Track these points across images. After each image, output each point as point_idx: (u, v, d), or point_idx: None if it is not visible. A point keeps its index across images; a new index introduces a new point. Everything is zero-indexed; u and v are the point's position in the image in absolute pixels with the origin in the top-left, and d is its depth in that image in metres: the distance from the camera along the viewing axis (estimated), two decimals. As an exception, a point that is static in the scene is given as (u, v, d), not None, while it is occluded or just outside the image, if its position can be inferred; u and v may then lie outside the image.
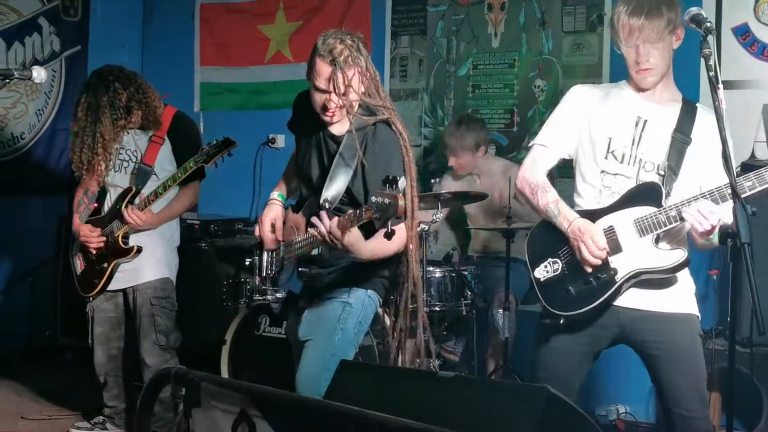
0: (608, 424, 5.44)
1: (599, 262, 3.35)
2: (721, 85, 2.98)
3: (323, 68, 3.52)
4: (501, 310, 5.27)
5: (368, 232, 3.47)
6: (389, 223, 3.18)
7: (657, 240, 3.32)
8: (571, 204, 3.54)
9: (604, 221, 3.41)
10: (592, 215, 3.43)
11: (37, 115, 7.06)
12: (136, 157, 4.92)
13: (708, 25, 2.97)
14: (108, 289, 4.93)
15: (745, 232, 2.69)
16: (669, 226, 3.27)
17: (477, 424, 2.50)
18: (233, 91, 7.35)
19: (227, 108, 7.38)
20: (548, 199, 3.51)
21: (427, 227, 5.09)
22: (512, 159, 5.98)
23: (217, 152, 4.66)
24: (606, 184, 3.46)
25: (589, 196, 3.52)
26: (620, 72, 5.52)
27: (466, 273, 5.28)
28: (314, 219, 3.49)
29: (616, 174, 3.45)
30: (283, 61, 7.01)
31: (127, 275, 4.91)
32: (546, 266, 3.51)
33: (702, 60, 2.91)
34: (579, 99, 3.60)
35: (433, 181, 5.56)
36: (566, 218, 3.44)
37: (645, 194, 3.36)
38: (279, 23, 7.06)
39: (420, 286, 3.78)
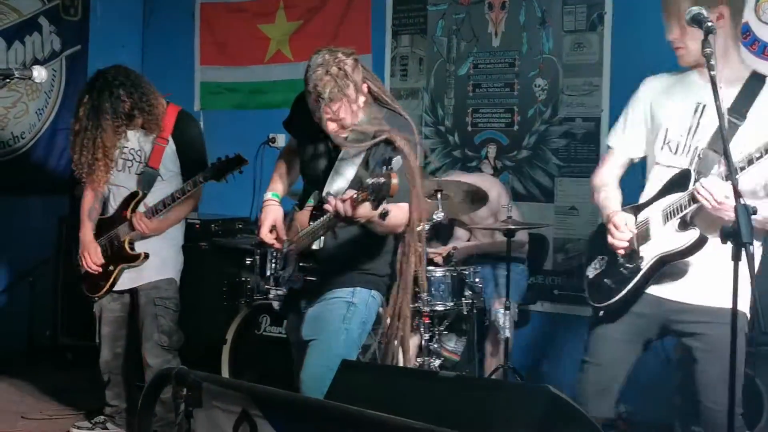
0: (609, 423, 5.43)
1: (624, 244, 3.41)
2: (722, 84, 2.99)
3: (311, 101, 3.56)
4: (501, 310, 5.27)
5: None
6: (384, 203, 3.18)
7: (684, 225, 3.29)
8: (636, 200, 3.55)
9: (643, 214, 3.44)
10: (636, 209, 3.48)
11: (37, 114, 7.05)
12: (140, 158, 4.89)
13: (709, 24, 2.95)
14: (114, 289, 4.92)
15: (746, 231, 2.68)
16: (688, 209, 3.25)
17: (478, 423, 2.49)
18: (233, 90, 7.34)
19: (227, 107, 7.37)
20: (601, 197, 3.60)
21: (427, 226, 5.08)
22: (512, 158, 5.98)
23: (228, 169, 4.69)
24: (660, 178, 3.44)
25: (647, 191, 3.51)
26: (621, 71, 5.54)
27: (466, 272, 5.27)
28: (326, 205, 3.46)
29: (669, 166, 3.42)
30: (283, 61, 7.01)
31: (132, 276, 4.89)
32: (594, 264, 3.62)
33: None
34: (646, 91, 3.58)
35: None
36: (605, 213, 3.52)
37: (678, 182, 3.34)
38: (279, 22, 7.05)
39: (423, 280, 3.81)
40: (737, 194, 2.79)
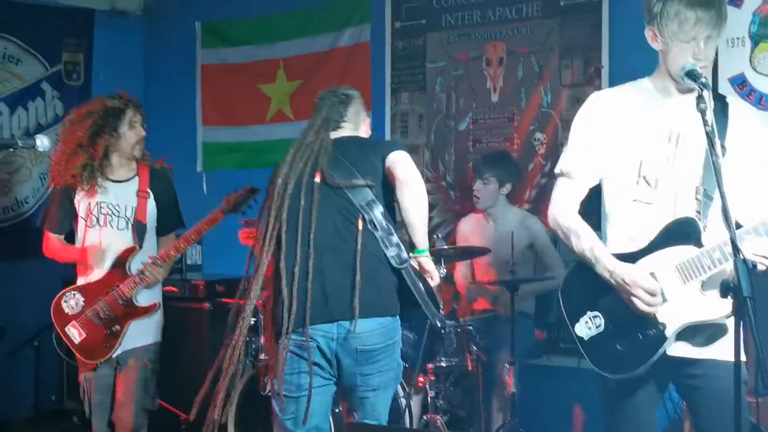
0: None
1: (656, 310, 3.08)
2: (718, 140, 2.97)
3: None
4: (507, 365, 5.26)
5: None
6: None
7: (702, 285, 3.08)
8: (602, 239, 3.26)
9: (642, 266, 3.13)
10: (627, 260, 3.15)
11: (41, 178, 7.10)
12: (122, 213, 4.82)
13: (704, 80, 2.95)
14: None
15: (746, 286, 2.64)
16: (714, 270, 3.03)
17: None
18: (235, 150, 7.39)
19: (230, 167, 7.41)
20: (583, 246, 3.21)
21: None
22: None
23: (243, 200, 4.84)
24: (639, 216, 3.18)
25: (618, 233, 3.24)
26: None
27: (470, 328, 5.27)
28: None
29: (649, 203, 3.16)
30: (284, 120, 7.06)
31: (127, 337, 4.80)
32: (587, 322, 3.23)
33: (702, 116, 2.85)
34: (598, 113, 3.28)
35: (435, 236, 5.57)
36: (605, 267, 3.15)
37: (682, 231, 3.09)
38: (279, 82, 7.12)
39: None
40: (735, 248, 2.73)
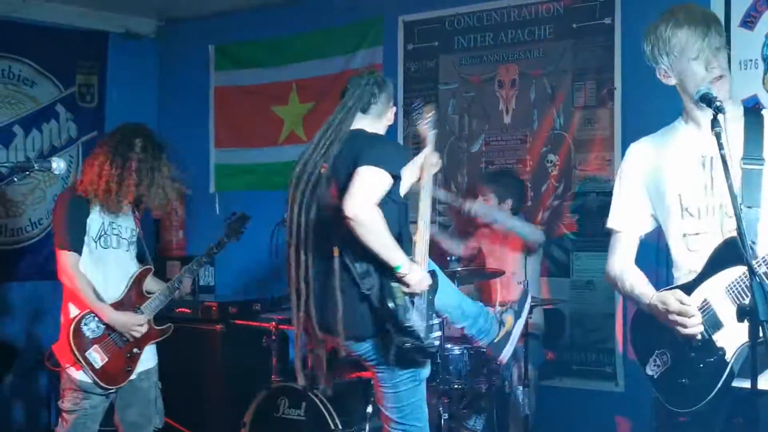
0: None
1: (701, 329, 3.00)
2: (742, 161, 2.94)
3: None
4: (520, 386, 5.25)
5: None
6: None
7: None
8: (669, 280, 3.26)
9: (697, 295, 3.08)
10: (684, 291, 3.10)
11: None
12: (128, 235, 4.84)
13: (718, 104, 2.93)
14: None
15: (763, 309, 2.63)
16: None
17: None
18: (248, 171, 7.41)
19: (242, 188, 7.43)
20: (626, 288, 3.26)
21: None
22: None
23: (240, 226, 5.08)
24: (692, 249, 3.15)
25: (682, 266, 3.20)
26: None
27: (484, 350, 5.26)
28: None
29: (697, 234, 3.14)
30: (297, 142, 7.07)
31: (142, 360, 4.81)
32: (655, 360, 3.21)
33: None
34: (637, 161, 3.33)
35: (448, 258, 5.58)
36: (645, 296, 3.17)
37: (729, 253, 2.98)
38: (292, 104, 7.14)
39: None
40: (751, 270, 2.69)
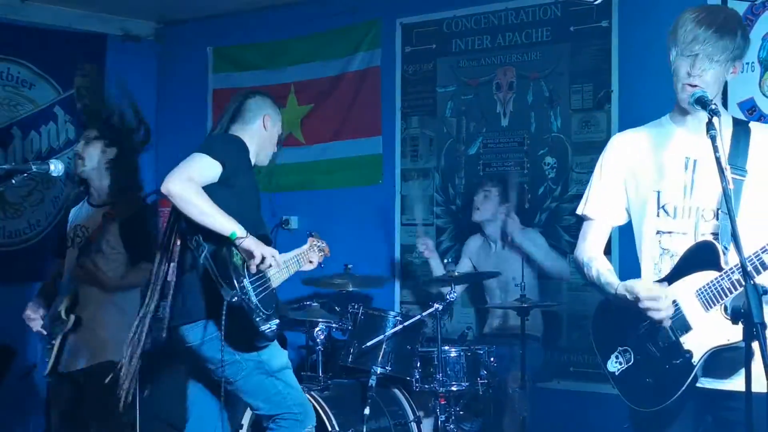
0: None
1: (671, 311, 3.04)
2: (728, 167, 2.95)
3: None
4: (518, 389, 5.26)
5: None
6: None
7: (726, 309, 3.00)
8: (637, 274, 3.25)
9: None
10: None
11: (52, 202, 7.13)
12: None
13: (713, 107, 2.94)
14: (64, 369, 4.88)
15: (757, 312, 2.64)
16: (736, 292, 2.95)
17: None
18: (246, 173, 7.39)
19: (240, 190, 7.42)
20: (593, 274, 3.28)
21: (440, 306, 5.11)
22: (524, 236, 6.00)
23: None
24: (664, 247, 3.19)
25: (649, 264, 3.24)
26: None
27: (481, 352, 5.28)
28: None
29: (670, 232, 3.18)
30: (295, 144, 7.09)
31: (85, 353, 4.87)
32: (617, 357, 3.24)
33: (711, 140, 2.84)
34: (619, 152, 3.35)
35: (445, 261, 5.59)
36: (611, 286, 3.19)
37: (701, 257, 3.06)
38: (290, 107, 7.15)
39: None
40: (745, 273, 2.71)
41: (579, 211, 3.47)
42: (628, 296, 3.10)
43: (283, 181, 7.16)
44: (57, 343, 4.85)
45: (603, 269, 3.28)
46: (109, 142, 4.99)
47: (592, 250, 3.38)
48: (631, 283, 3.13)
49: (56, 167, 3.86)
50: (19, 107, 6.97)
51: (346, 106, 6.87)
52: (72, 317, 4.85)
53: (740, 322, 2.68)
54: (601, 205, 3.38)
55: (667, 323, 3.08)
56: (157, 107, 7.88)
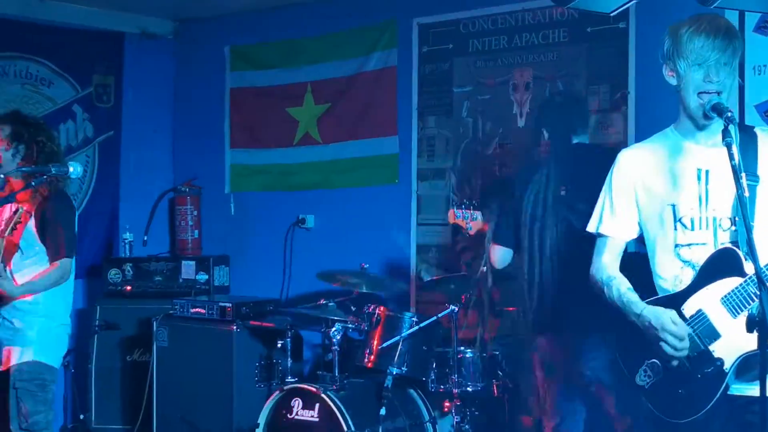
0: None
1: (685, 352, 3.10)
2: (744, 174, 2.95)
3: None
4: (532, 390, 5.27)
5: None
6: None
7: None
8: (654, 292, 3.30)
9: (690, 305, 3.15)
10: (675, 300, 3.18)
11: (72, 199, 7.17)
12: None
13: (729, 114, 2.95)
14: None
15: None
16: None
17: None
18: (263, 172, 7.43)
19: (257, 189, 7.46)
20: (613, 294, 3.32)
21: (456, 308, 5.13)
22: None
23: None
24: (685, 259, 3.21)
25: (670, 277, 3.26)
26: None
27: (497, 353, 5.29)
28: None
29: (689, 244, 3.19)
30: (311, 143, 7.11)
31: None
32: (646, 370, 3.24)
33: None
34: (629, 168, 3.37)
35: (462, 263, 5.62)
36: (633, 312, 3.23)
37: (723, 264, 3.11)
38: (307, 106, 7.16)
39: None
40: (761, 281, 2.72)
41: (591, 229, 3.50)
42: (653, 322, 3.14)
43: (299, 180, 7.19)
44: None
45: (623, 288, 3.32)
46: None
47: (609, 268, 3.41)
48: (659, 312, 3.15)
49: (75, 169, 3.93)
50: (37, 105, 7.01)
51: (362, 105, 6.88)
52: None
53: (755, 330, 2.69)
54: (615, 222, 3.42)
55: (675, 363, 3.12)
56: (174, 105, 7.93)
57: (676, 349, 3.10)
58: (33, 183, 4.51)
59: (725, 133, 2.91)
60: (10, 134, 4.87)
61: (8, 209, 4.88)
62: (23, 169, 4.51)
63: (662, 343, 3.11)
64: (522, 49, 6.20)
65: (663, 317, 3.13)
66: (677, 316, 3.14)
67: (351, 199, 6.91)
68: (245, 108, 7.55)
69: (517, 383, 5.40)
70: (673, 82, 3.27)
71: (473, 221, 5.20)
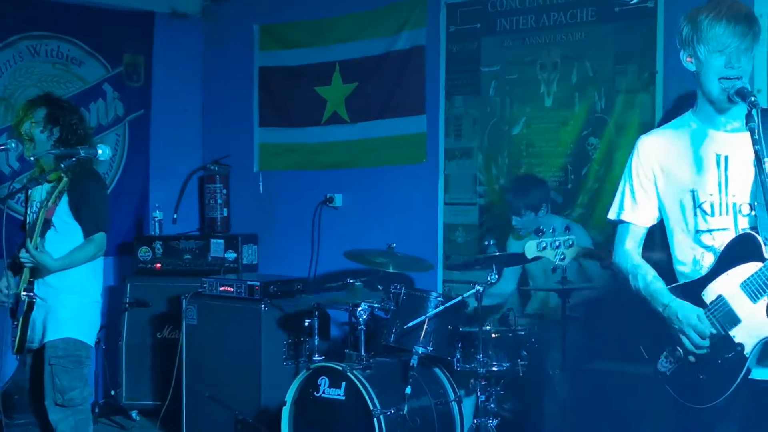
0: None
1: (705, 350, 3.12)
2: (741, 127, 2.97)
3: None
4: (558, 370, 5.29)
5: None
6: None
7: None
8: (672, 276, 3.32)
9: (710, 292, 3.15)
10: (694, 288, 3.19)
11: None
12: None
13: (753, 99, 2.95)
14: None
15: None
16: None
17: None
18: (291, 151, 7.47)
19: (285, 168, 7.51)
20: (639, 284, 3.33)
21: (481, 288, 5.14)
22: (568, 216, 5.98)
23: None
24: (706, 244, 3.21)
25: (689, 263, 3.28)
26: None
27: (522, 333, 5.31)
28: None
29: (710, 230, 3.20)
30: (340, 122, 7.13)
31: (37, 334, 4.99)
32: (667, 356, 3.26)
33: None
34: (648, 153, 3.38)
35: (486, 242, 5.62)
36: (660, 303, 3.23)
37: (742, 249, 3.09)
38: (335, 85, 7.19)
39: None
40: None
41: (612, 216, 3.52)
42: (679, 314, 3.16)
43: (328, 159, 7.23)
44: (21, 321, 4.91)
45: (650, 277, 3.33)
46: None
47: (633, 256, 3.43)
48: (686, 307, 3.17)
49: (104, 151, 3.98)
50: (68, 85, 7.08)
51: (390, 84, 6.88)
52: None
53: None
54: (636, 209, 3.43)
55: (692, 358, 3.15)
56: (203, 84, 7.97)
57: (696, 346, 3.12)
58: (62, 165, 4.58)
59: (749, 117, 2.91)
60: (45, 116, 4.93)
61: (40, 189, 4.94)
62: (53, 151, 4.56)
63: (683, 337, 3.14)
64: (550, 28, 6.17)
65: (690, 314, 3.14)
66: (704, 314, 3.14)
67: (378, 179, 6.93)
68: (274, 87, 7.59)
69: (542, 363, 5.41)
70: (692, 67, 3.27)
71: (567, 248, 4.58)
